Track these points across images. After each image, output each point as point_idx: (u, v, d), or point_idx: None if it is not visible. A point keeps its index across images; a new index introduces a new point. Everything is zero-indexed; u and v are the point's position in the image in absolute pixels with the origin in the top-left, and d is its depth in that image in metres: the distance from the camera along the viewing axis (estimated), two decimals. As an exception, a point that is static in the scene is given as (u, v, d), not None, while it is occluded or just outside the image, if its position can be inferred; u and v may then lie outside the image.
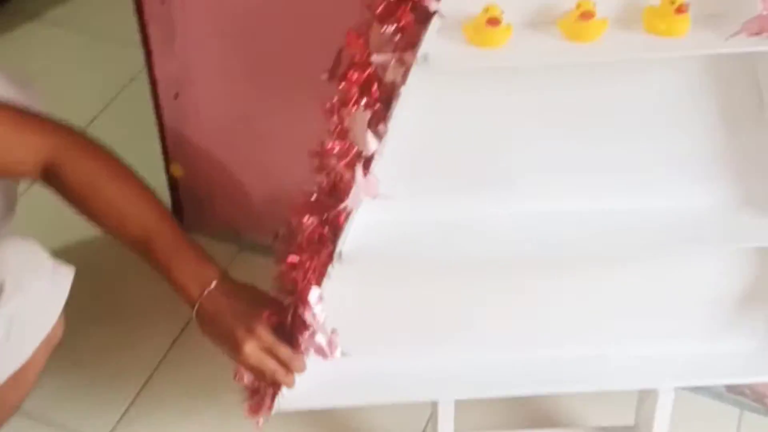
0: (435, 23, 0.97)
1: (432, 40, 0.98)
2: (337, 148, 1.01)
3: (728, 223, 1.15)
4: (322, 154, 1.03)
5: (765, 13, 0.97)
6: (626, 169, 1.14)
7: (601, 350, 1.24)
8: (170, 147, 1.65)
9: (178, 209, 1.71)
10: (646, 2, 1.02)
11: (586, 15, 1.00)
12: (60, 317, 1.17)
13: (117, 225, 1.16)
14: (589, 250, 1.14)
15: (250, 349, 1.11)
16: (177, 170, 1.67)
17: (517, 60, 1.01)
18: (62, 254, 1.20)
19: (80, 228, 1.23)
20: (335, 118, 1.00)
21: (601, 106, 1.11)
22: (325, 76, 1.01)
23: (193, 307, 1.13)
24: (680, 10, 1.00)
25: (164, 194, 1.68)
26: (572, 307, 1.23)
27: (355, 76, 0.98)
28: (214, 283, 1.13)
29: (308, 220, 1.06)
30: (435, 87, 1.06)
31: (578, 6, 1.01)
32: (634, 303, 1.23)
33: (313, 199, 1.05)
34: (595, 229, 1.14)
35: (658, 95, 1.10)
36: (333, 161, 1.02)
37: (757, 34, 0.99)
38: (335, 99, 1.00)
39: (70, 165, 1.14)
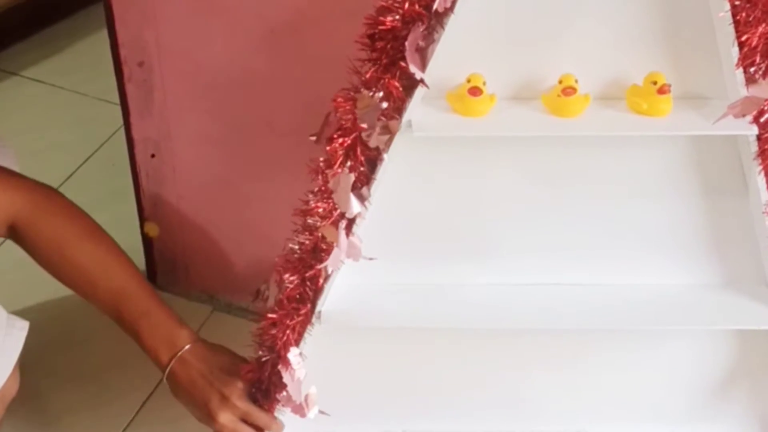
0: (420, 91, 0.99)
1: (416, 107, 1.00)
2: (320, 209, 1.01)
3: (708, 304, 1.15)
4: (306, 213, 1.02)
5: (749, 96, 1.00)
6: (605, 245, 1.15)
7: (578, 428, 1.23)
8: (146, 207, 1.64)
9: (151, 269, 1.70)
10: (630, 81, 1.04)
11: (569, 91, 1.02)
12: (15, 372, 1.14)
13: (85, 287, 1.14)
14: (565, 324, 1.14)
15: (226, 418, 1.10)
16: (152, 230, 1.66)
17: (499, 130, 1.02)
18: (34, 311, 1.19)
19: (53, 285, 1.21)
20: (320, 179, 1.01)
21: (581, 181, 1.12)
22: (312, 138, 1.01)
23: (163, 371, 1.12)
24: (662, 90, 1.02)
25: (138, 254, 1.67)
26: (549, 383, 1.23)
27: (341, 139, 0.99)
28: (186, 347, 1.12)
29: (289, 278, 1.05)
30: (418, 154, 1.07)
31: (561, 81, 1.02)
32: (612, 382, 1.23)
33: (295, 257, 1.05)
34: (574, 304, 1.14)
35: (640, 172, 1.11)
36: (316, 221, 1.02)
37: (741, 116, 1.01)
38: (321, 160, 1.01)
39: (38, 224, 1.13)
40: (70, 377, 1.57)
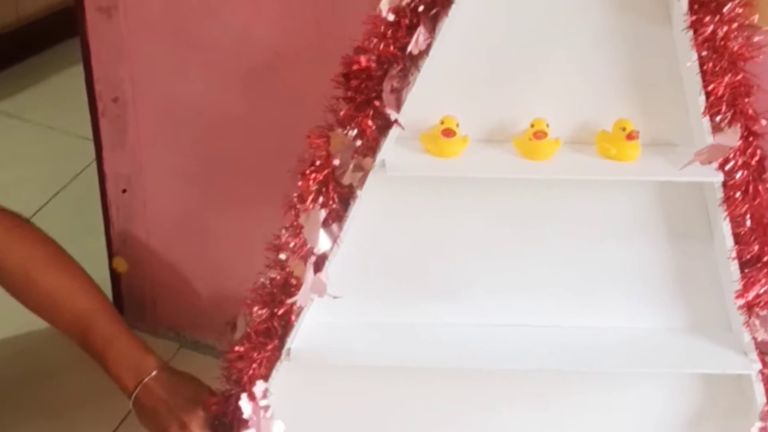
0: (394, 131, 1.00)
1: (390, 147, 1.01)
2: (291, 243, 1.02)
3: (676, 348, 1.16)
4: (278, 248, 1.03)
5: (715, 144, 1.02)
6: (574, 287, 1.16)
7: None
8: (115, 242, 1.64)
9: (119, 305, 1.69)
10: (599, 126, 1.07)
11: (540, 134, 1.04)
12: None
13: (51, 312, 1.15)
14: (534, 365, 1.14)
15: None
16: (120, 265, 1.66)
17: (471, 171, 1.04)
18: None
19: (19, 319, 1.20)
20: (292, 213, 1.02)
21: (551, 223, 1.13)
22: (289, 173, 1.02)
23: (129, 398, 1.11)
24: (631, 136, 1.04)
25: (106, 289, 1.65)
26: (519, 424, 1.23)
27: (314, 175, 1.00)
28: (151, 374, 1.12)
29: (258, 312, 1.05)
30: (392, 193, 1.08)
31: (533, 125, 1.04)
32: (581, 423, 1.23)
33: (265, 291, 1.05)
34: (543, 346, 1.15)
35: (608, 216, 1.13)
36: (287, 256, 1.02)
37: (707, 163, 1.03)
38: (295, 195, 1.02)
39: (5, 249, 1.14)
40: (36, 412, 1.55)
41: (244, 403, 1.09)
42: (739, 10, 0.99)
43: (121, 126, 1.49)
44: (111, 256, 1.66)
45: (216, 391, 1.14)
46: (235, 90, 1.36)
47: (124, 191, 1.57)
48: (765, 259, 1.09)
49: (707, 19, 0.97)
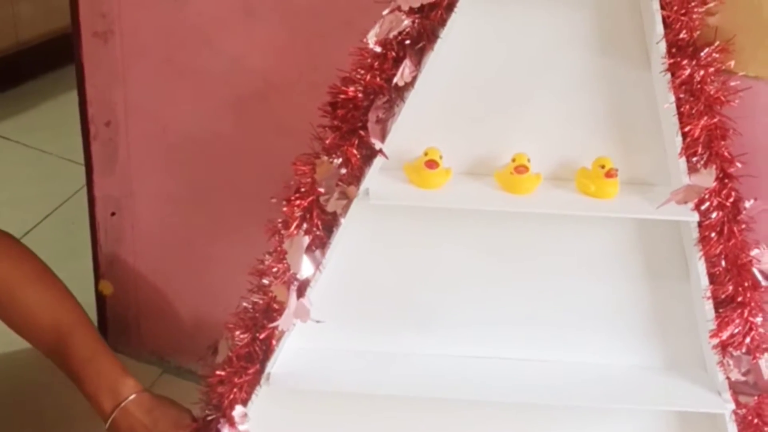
0: (378, 161, 1.02)
1: (374, 176, 1.03)
2: (275, 269, 1.03)
3: (650, 385, 1.18)
4: (261, 273, 1.05)
5: (691, 184, 1.04)
6: (551, 321, 1.18)
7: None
8: (102, 264, 1.65)
9: (103, 328, 1.69)
10: (579, 163, 1.09)
11: (521, 169, 1.06)
12: None
13: (31, 329, 1.14)
14: (510, 398, 1.15)
15: None
16: (106, 288, 1.67)
17: (453, 203, 1.06)
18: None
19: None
20: (276, 239, 1.03)
21: (530, 257, 1.15)
22: (273, 200, 1.04)
23: (105, 420, 1.11)
24: (610, 174, 1.07)
25: (91, 312, 1.66)
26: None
27: (299, 202, 1.01)
28: (130, 397, 1.11)
29: (240, 336, 1.06)
30: (374, 222, 1.10)
31: (514, 160, 1.07)
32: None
33: (247, 315, 1.07)
34: (519, 378, 1.16)
35: (586, 252, 1.15)
36: (270, 281, 1.04)
37: (683, 203, 1.05)
38: (279, 221, 1.03)
39: None
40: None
41: (224, 428, 1.09)
42: (716, 56, 1.01)
43: (112, 149, 1.50)
44: (97, 278, 1.66)
45: (197, 416, 1.15)
46: (225, 116, 1.38)
47: (113, 214, 1.58)
48: (739, 299, 1.10)
49: (685, 62, 1.00)
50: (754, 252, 1.10)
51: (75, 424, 1.52)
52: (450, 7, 0.97)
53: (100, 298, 1.68)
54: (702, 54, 1.01)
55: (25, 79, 2.49)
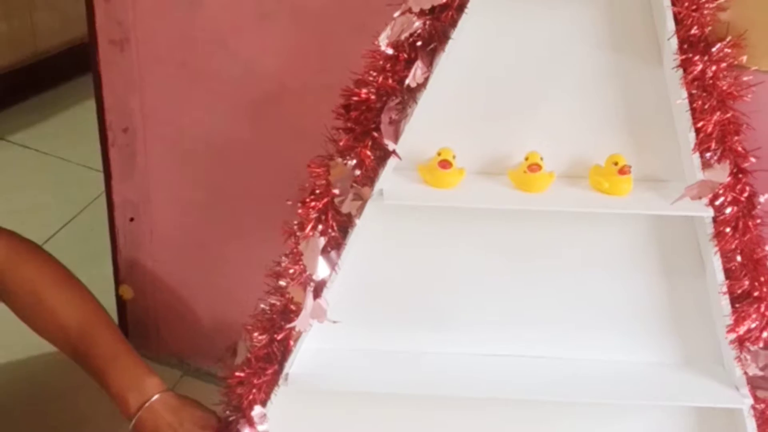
0: (392, 162, 1.03)
1: (388, 177, 1.04)
2: (291, 270, 1.04)
3: (667, 381, 1.18)
4: (278, 274, 1.06)
5: (705, 179, 1.04)
6: (566, 319, 1.18)
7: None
8: (121, 269, 1.66)
9: (124, 332, 1.68)
10: (592, 161, 1.09)
11: (534, 168, 1.07)
12: None
13: (56, 331, 1.15)
14: (526, 395, 1.16)
15: None
16: (126, 293, 1.68)
17: (467, 202, 1.07)
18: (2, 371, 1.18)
19: (23, 342, 1.21)
20: (292, 240, 1.04)
21: (544, 255, 1.16)
22: (289, 203, 1.05)
23: (130, 419, 1.11)
24: (623, 171, 1.07)
25: (112, 316, 1.68)
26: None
27: (313, 203, 1.02)
28: (156, 396, 1.11)
29: (258, 337, 1.07)
30: (389, 222, 1.11)
31: (527, 158, 1.07)
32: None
33: (265, 317, 1.07)
34: (535, 376, 1.17)
35: (600, 249, 1.15)
36: (287, 282, 1.05)
37: (697, 198, 1.05)
38: (295, 223, 1.04)
39: (14, 269, 1.15)
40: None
41: (243, 428, 1.10)
42: (728, 51, 1.01)
43: (130, 155, 1.52)
44: (117, 283, 1.68)
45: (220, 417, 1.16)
46: (240, 120, 1.39)
47: (132, 219, 1.59)
48: (755, 294, 1.10)
49: (696, 58, 1.00)
50: (770, 246, 1.10)
51: (91, 427, 1.53)
52: (461, 7, 0.97)
53: (120, 303, 1.70)
54: (714, 49, 1.01)
55: (43, 88, 2.52)
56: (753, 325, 1.11)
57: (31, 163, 2.27)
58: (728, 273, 1.10)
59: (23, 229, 1.27)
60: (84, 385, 1.17)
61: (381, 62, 1.00)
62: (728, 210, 1.06)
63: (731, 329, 1.12)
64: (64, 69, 2.50)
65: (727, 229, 1.07)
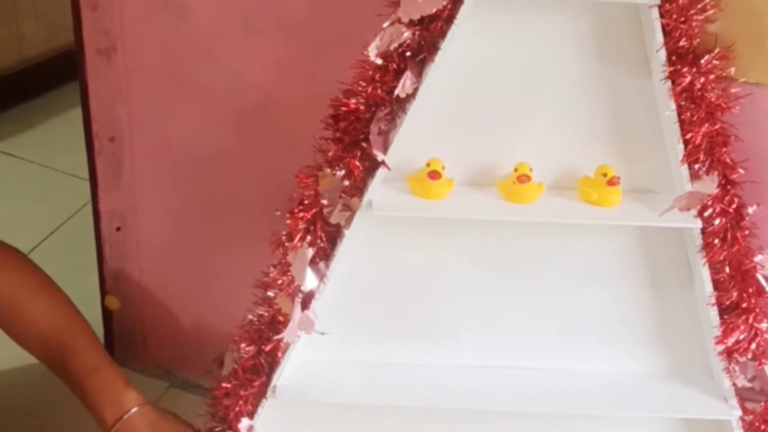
0: (381, 172, 1.03)
1: (377, 188, 1.04)
2: (279, 281, 1.04)
3: (656, 393, 1.18)
4: (266, 285, 1.05)
5: (693, 191, 1.04)
6: (555, 330, 1.18)
7: None
8: (108, 280, 1.65)
9: (110, 343, 1.70)
10: (581, 172, 1.09)
11: (523, 179, 1.07)
12: None
13: (35, 341, 1.14)
14: (514, 407, 1.16)
15: None
16: (112, 303, 1.67)
17: (456, 213, 1.06)
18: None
19: (3, 354, 1.20)
20: (280, 251, 1.04)
21: (533, 266, 1.16)
22: (278, 213, 1.04)
23: None
24: (612, 182, 1.07)
25: (98, 327, 1.66)
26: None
27: (302, 214, 1.02)
28: (133, 410, 1.10)
29: (245, 348, 1.07)
30: (378, 233, 1.11)
31: (516, 169, 1.07)
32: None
33: (252, 328, 1.07)
34: (524, 387, 1.17)
35: (590, 260, 1.15)
36: (275, 293, 1.04)
37: (686, 210, 1.05)
38: (283, 233, 1.04)
39: None
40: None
41: None
42: (716, 62, 1.02)
43: (116, 165, 1.51)
44: (103, 294, 1.67)
45: (201, 430, 1.15)
46: (227, 130, 1.39)
47: (118, 229, 1.58)
48: (744, 305, 1.11)
49: (685, 70, 1.00)
50: (758, 258, 1.10)
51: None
52: (450, 18, 0.97)
53: (107, 313, 1.69)
54: (702, 61, 1.01)
55: (29, 96, 2.50)
56: (741, 337, 1.12)
57: (17, 171, 2.26)
58: (717, 284, 1.10)
59: (8, 237, 1.26)
60: (68, 398, 1.16)
61: (370, 72, 1.00)
62: (717, 221, 1.06)
63: (720, 341, 1.12)
64: (51, 77, 2.49)
65: (716, 241, 1.08)
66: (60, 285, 1.22)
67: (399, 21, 0.98)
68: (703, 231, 1.07)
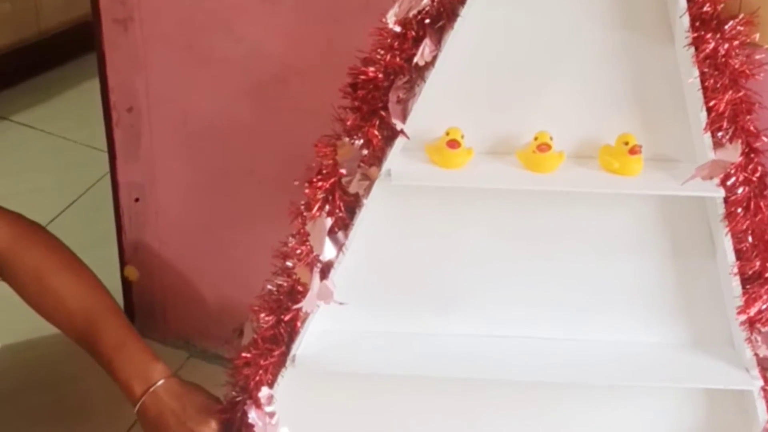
0: (400, 141, 1.02)
1: (396, 157, 1.03)
2: (298, 251, 1.03)
3: (677, 363, 1.17)
4: (285, 255, 1.05)
5: (716, 159, 1.03)
6: (576, 300, 1.17)
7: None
8: (127, 250, 1.66)
9: (129, 313, 1.70)
10: (602, 141, 1.08)
11: (543, 147, 1.06)
12: None
13: (62, 316, 1.15)
14: (535, 377, 1.16)
15: None
16: (132, 274, 1.68)
17: (475, 182, 1.06)
18: (7, 352, 1.18)
19: (26, 326, 1.21)
20: (299, 221, 1.03)
21: (554, 236, 1.15)
22: (296, 182, 1.04)
23: (135, 405, 1.12)
24: (633, 151, 1.06)
25: (117, 298, 1.66)
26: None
27: (320, 183, 1.01)
28: (160, 382, 1.11)
29: (265, 318, 1.07)
30: (397, 202, 1.10)
31: (536, 138, 1.06)
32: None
33: (272, 298, 1.07)
34: (545, 357, 1.16)
35: (610, 230, 1.14)
36: (294, 263, 1.04)
37: (708, 178, 1.04)
38: (302, 203, 1.03)
39: (20, 253, 1.15)
40: (41, 420, 1.56)
41: (250, 409, 1.10)
42: (740, 29, 1.00)
43: (134, 135, 1.51)
44: (123, 264, 1.68)
45: (224, 399, 1.15)
46: (246, 101, 1.38)
47: (137, 200, 1.59)
48: (767, 275, 1.10)
49: (708, 36, 0.99)
50: (782, 227, 1.09)
51: (96, 412, 1.54)
52: (469, -16, 0.96)
53: (126, 284, 1.70)
54: (726, 27, 0.99)
55: (47, 67, 2.50)
56: (764, 307, 1.11)
57: (35, 143, 2.26)
58: (739, 254, 1.09)
59: (27, 210, 1.26)
60: (91, 368, 1.17)
61: (388, 40, 0.99)
62: (740, 190, 1.05)
63: (742, 310, 1.11)
64: (68, 48, 2.49)
65: (739, 210, 1.06)
66: (79, 256, 1.22)
67: (418, -12, 0.97)
68: (725, 200, 1.06)
